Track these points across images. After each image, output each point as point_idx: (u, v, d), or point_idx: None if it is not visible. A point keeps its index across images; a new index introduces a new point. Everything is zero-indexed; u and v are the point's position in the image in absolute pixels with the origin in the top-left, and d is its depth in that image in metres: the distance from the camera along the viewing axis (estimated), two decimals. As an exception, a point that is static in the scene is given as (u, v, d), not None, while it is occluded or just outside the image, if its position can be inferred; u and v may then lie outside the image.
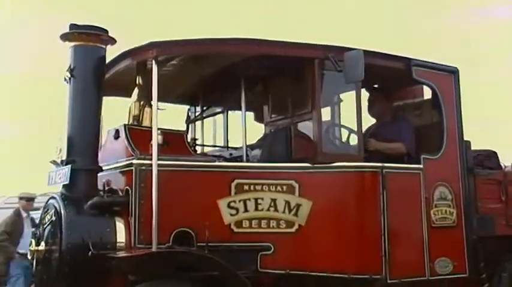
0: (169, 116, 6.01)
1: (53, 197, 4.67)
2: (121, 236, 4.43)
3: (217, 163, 4.82)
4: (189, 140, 5.81)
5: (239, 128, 5.42)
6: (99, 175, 4.75)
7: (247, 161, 5.17)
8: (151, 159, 4.30)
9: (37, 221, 5.22)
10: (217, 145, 6.31)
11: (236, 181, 4.65)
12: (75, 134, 4.69)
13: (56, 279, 4.34)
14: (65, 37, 4.74)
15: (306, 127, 5.17)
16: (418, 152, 5.41)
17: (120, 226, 4.47)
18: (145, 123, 4.90)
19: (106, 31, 4.79)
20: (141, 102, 5.01)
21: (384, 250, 4.87)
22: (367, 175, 5.01)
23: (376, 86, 6.08)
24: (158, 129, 4.39)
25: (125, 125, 4.76)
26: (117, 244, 4.40)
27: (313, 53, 4.92)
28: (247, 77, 5.27)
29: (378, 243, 4.87)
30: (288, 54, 4.94)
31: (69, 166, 4.52)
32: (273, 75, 5.56)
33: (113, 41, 4.84)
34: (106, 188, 4.68)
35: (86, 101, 4.73)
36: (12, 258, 8.03)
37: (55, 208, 4.52)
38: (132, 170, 4.43)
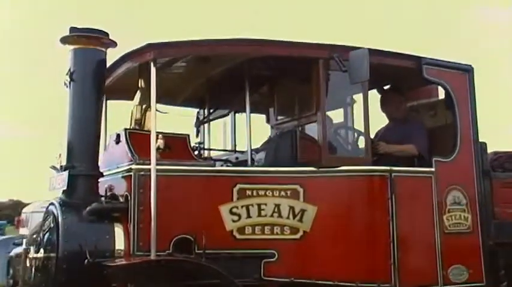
0: (180, 119, 5.94)
1: (52, 203, 4.60)
2: (120, 243, 4.33)
3: (218, 168, 4.72)
4: (196, 143, 5.74)
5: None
6: (102, 180, 4.69)
7: (252, 165, 5.06)
8: (150, 164, 4.19)
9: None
10: (225, 148, 6.19)
11: (238, 186, 4.52)
12: (75, 139, 4.63)
13: (53, 287, 4.26)
14: (64, 40, 4.68)
15: (314, 130, 5.00)
16: (431, 155, 5.23)
17: (119, 232, 4.37)
18: (148, 127, 4.79)
19: (107, 34, 4.72)
20: (143, 106, 4.93)
21: (393, 257, 4.72)
22: (375, 179, 4.85)
23: (388, 86, 5.90)
24: (160, 133, 4.30)
25: (125, 130, 4.68)
26: (116, 252, 4.30)
27: (317, 53, 4.80)
28: (251, 78, 5.17)
29: (386, 250, 4.72)
30: (292, 54, 4.84)
31: (68, 171, 4.46)
32: (278, 76, 5.47)
33: (113, 43, 4.77)
34: (108, 193, 4.61)
35: (85, 106, 4.66)
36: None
37: (53, 214, 4.46)
38: (131, 175, 4.34)
